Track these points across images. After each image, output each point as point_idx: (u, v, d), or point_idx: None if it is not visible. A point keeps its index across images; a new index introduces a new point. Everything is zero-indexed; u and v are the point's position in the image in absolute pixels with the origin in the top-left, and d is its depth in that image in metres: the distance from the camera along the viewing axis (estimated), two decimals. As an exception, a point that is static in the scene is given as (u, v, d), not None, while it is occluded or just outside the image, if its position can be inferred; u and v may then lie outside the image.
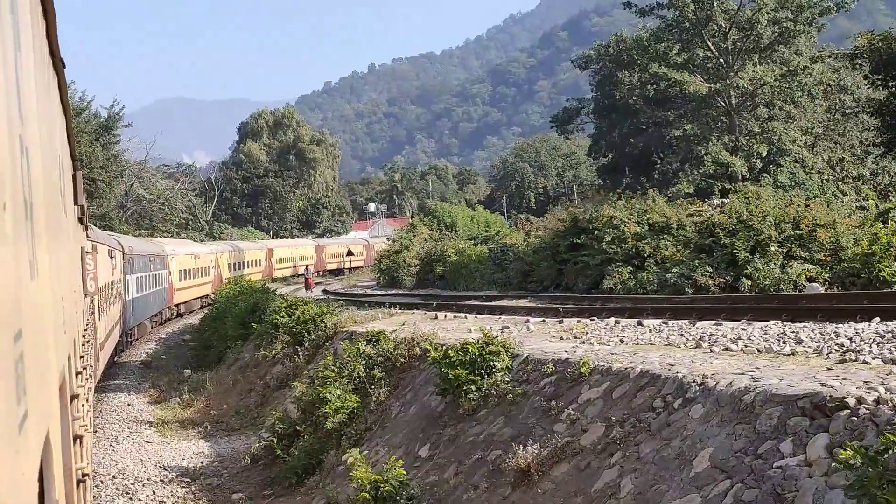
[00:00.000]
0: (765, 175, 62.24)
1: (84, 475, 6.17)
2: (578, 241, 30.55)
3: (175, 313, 52.66)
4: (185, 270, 51.89)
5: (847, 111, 70.40)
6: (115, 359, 35.13)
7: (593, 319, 17.30)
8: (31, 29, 3.64)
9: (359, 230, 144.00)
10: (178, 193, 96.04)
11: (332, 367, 16.92)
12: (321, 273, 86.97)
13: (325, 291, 53.22)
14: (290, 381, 21.78)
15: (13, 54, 2.77)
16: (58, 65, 5.62)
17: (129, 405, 27.30)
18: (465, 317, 22.01)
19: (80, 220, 12.35)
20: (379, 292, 44.37)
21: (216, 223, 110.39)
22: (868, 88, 71.94)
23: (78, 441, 6.02)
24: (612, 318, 16.91)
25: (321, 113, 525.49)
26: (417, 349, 16.01)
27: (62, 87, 6.32)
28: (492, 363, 12.52)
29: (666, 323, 15.18)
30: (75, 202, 9.91)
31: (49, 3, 4.46)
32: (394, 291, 43.56)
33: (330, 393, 15.91)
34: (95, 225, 28.96)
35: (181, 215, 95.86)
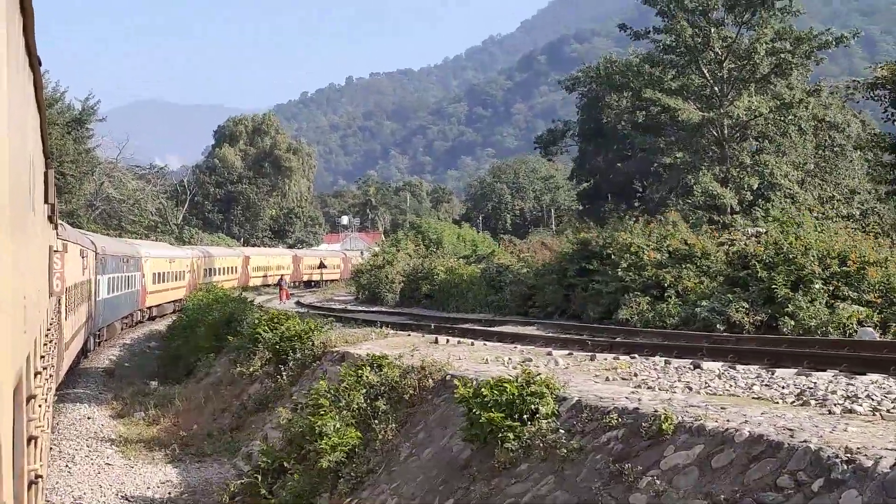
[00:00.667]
0: (756, 209, 61.17)
1: (37, 476, 6.01)
2: (590, 267, 28.50)
3: (147, 316, 51.67)
4: (159, 273, 51.08)
5: (836, 148, 69.34)
6: (82, 359, 34.04)
7: (634, 357, 15.25)
8: (7, 25, 3.62)
9: (330, 243, 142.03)
10: (149, 195, 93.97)
11: (327, 395, 14.78)
12: (296, 284, 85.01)
13: (299, 304, 50.99)
14: (272, 403, 19.65)
15: None
16: (34, 63, 5.55)
17: (89, 418, 24.94)
18: (472, 343, 19.90)
19: (50, 219, 12.13)
20: (360, 308, 42.07)
21: (186, 227, 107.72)
22: (858, 126, 70.73)
23: (32, 442, 5.90)
24: (661, 358, 14.87)
25: (296, 123, 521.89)
26: (430, 380, 13.93)
27: (37, 84, 6.21)
28: (534, 406, 10.47)
29: (733, 367, 13.18)
30: (46, 200, 9.72)
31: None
32: (377, 309, 41.39)
33: (326, 426, 13.79)
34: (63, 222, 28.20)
35: (151, 217, 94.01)
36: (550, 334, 22.80)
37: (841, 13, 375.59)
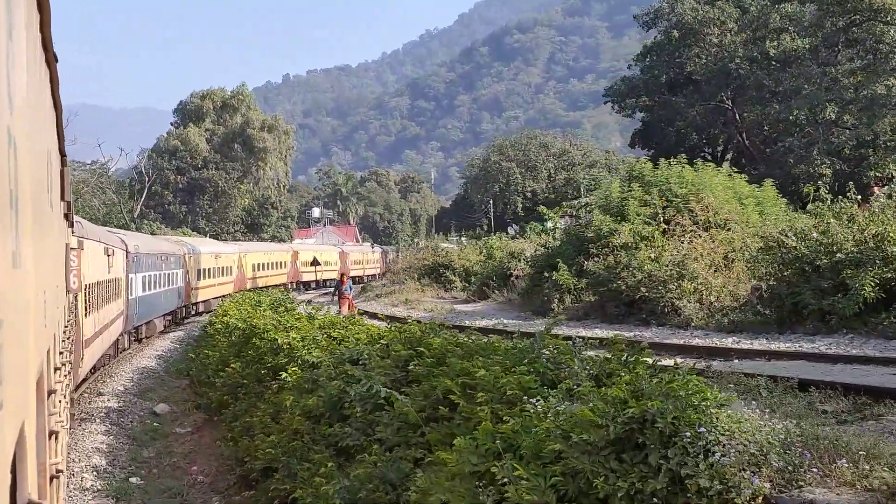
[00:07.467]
0: None
1: (58, 471, 5.88)
2: None
3: (193, 311, 51.21)
4: (204, 270, 51.03)
5: None
6: (116, 357, 31.91)
7: None
8: (25, 20, 3.57)
9: (301, 237, 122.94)
10: (94, 189, 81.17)
11: None
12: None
13: (389, 318, 30.60)
14: None
15: (5, 44, 2.77)
16: (51, 59, 5.58)
17: None
18: None
19: (66, 217, 11.88)
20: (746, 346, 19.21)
21: (145, 222, 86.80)
22: None
23: (53, 437, 5.88)
24: None
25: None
26: None
27: (54, 81, 6.26)
28: None
29: None
30: (62, 198, 9.42)
31: None
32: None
33: None
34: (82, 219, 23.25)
35: (98, 213, 76.10)
36: None
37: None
